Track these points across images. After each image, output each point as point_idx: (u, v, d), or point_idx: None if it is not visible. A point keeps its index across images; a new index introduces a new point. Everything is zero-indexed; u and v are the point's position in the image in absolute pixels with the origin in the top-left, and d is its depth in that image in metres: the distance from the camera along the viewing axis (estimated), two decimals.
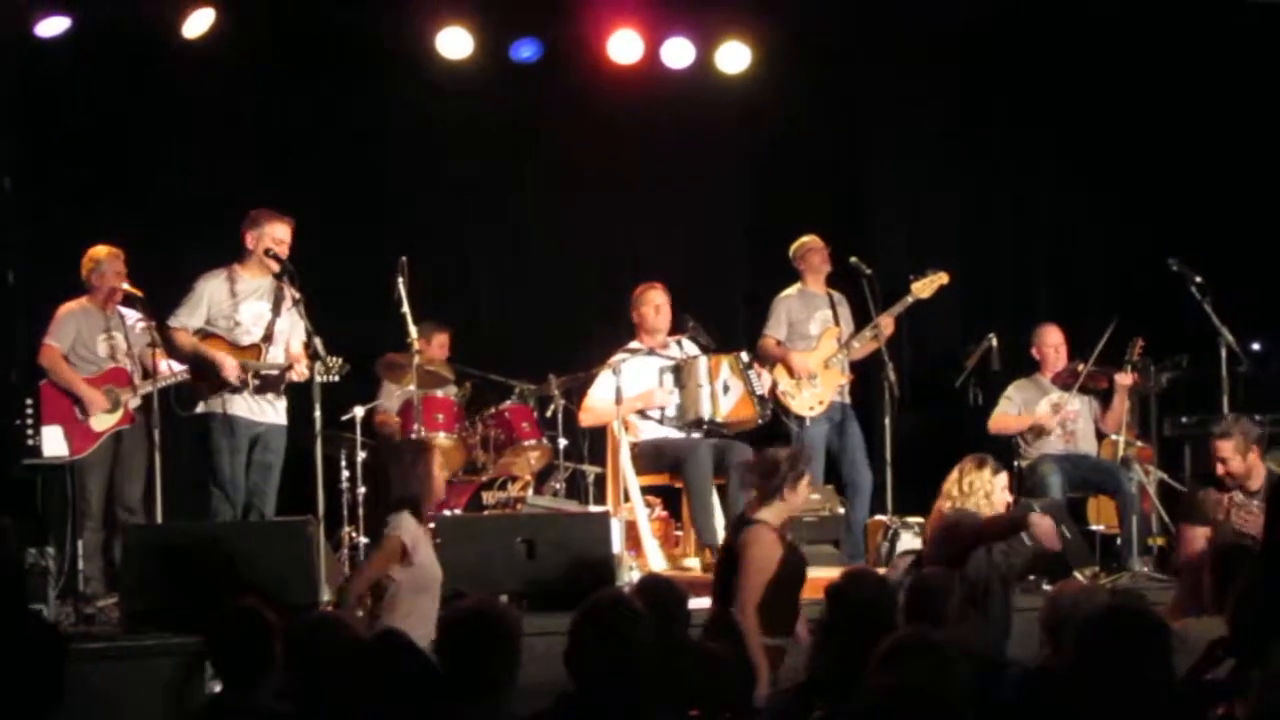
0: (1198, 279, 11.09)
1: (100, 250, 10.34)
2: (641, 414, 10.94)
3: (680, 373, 10.84)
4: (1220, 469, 9.67)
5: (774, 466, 8.16)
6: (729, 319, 12.52)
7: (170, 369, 10.12)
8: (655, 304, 10.97)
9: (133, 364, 10.32)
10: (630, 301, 11.17)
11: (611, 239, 12.76)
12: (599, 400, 10.80)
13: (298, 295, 9.92)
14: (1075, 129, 13.21)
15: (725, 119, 12.72)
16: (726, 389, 10.78)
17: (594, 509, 10.86)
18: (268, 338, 10.26)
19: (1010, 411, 11.59)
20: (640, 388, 10.85)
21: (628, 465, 10.55)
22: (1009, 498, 8.80)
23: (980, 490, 8.66)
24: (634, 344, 11.03)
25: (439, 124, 12.32)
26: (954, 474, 8.74)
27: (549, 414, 11.18)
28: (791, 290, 11.76)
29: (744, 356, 10.89)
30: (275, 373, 10.19)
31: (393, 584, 8.10)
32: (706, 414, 10.74)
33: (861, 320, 11.61)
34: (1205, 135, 12.85)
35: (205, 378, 10.14)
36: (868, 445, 11.62)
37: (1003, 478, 8.78)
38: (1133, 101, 13.02)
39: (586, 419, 11.03)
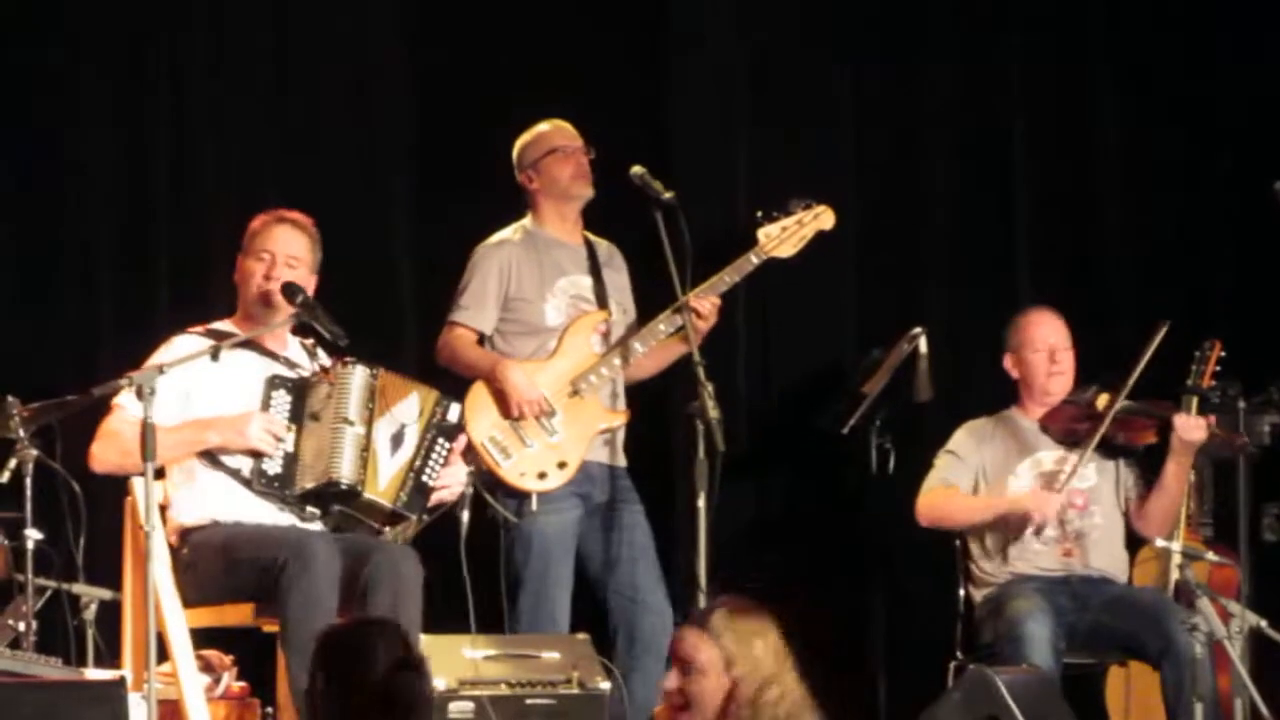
0: None
1: None
2: (214, 459, 7.61)
3: (307, 393, 7.70)
4: None
5: None
6: (384, 304, 9.17)
7: None
8: (271, 247, 7.62)
9: None
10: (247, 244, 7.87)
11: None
12: (131, 417, 7.64)
13: None
14: None
15: None
16: (399, 440, 7.69)
17: (96, 673, 7.98)
18: None
19: (956, 480, 8.53)
20: (220, 405, 7.67)
21: (166, 583, 7.45)
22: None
23: None
24: (220, 325, 7.87)
25: None
26: None
27: (3, 478, 7.99)
28: (510, 233, 8.53)
29: (455, 408, 7.87)
30: None
31: None
32: (346, 477, 7.49)
33: (656, 299, 8.53)
34: None
35: None
36: (663, 551, 8.52)
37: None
38: None
39: (103, 457, 7.79)
